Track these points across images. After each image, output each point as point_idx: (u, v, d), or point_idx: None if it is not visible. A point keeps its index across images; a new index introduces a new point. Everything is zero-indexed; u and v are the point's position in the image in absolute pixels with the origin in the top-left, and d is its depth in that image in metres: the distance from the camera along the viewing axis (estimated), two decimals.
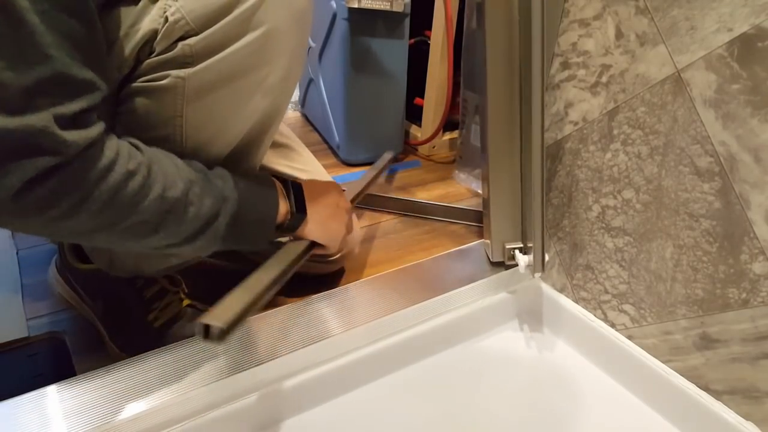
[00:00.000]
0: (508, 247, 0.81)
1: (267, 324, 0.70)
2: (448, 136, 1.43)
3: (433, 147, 1.42)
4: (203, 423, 0.61)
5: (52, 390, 0.59)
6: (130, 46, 0.54)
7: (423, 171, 1.35)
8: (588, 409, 0.71)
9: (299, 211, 0.66)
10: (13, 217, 0.45)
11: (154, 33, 0.54)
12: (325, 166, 1.32)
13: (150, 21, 0.54)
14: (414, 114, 1.42)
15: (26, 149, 0.42)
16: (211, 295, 0.84)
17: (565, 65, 0.75)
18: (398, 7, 1.17)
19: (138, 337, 0.72)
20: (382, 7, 1.15)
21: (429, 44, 1.30)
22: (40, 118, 0.42)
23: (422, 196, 1.22)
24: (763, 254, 0.58)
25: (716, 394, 0.65)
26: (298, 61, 0.62)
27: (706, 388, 0.66)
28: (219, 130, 0.60)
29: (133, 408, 0.58)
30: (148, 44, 0.54)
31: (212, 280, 0.91)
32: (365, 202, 1.15)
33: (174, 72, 0.55)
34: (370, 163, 1.35)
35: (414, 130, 1.44)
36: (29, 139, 0.42)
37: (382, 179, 1.30)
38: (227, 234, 0.60)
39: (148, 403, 0.58)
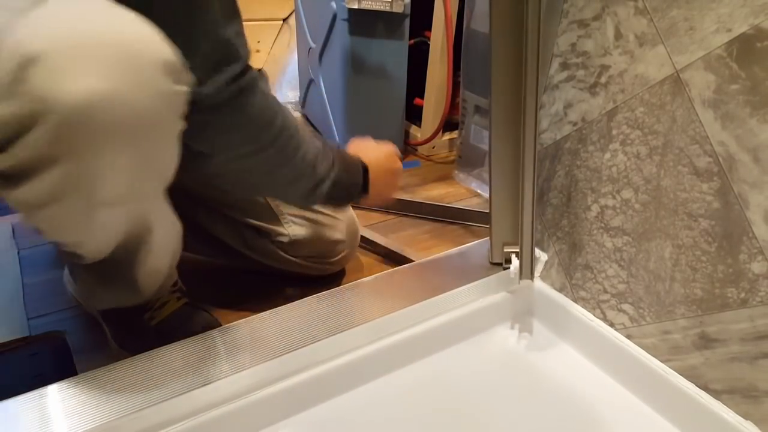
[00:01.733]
0: (506, 250, 0.81)
1: (267, 324, 0.71)
2: (448, 136, 1.43)
3: (433, 147, 1.43)
4: (203, 422, 0.61)
5: (52, 389, 0.60)
6: None
7: (423, 171, 1.36)
8: (587, 409, 0.71)
9: (364, 190, 0.80)
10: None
11: None
12: None
13: None
14: (414, 114, 1.42)
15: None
16: (209, 293, 0.85)
17: (564, 66, 0.75)
18: (398, 8, 1.17)
19: (136, 335, 0.73)
20: (382, 7, 1.16)
21: (429, 45, 1.30)
22: None
23: (422, 196, 1.22)
24: (762, 254, 0.58)
25: (715, 394, 0.65)
26: (151, 169, 0.55)
27: (705, 388, 0.66)
28: (78, 235, 0.57)
29: (134, 407, 0.58)
30: None
31: (209, 278, 0.92)
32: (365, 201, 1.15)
33: None
34: None
35: (414, 130, 1.45)
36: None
37: None
38: (329, 190, 0.74)
39: (148, 403, 0.58)
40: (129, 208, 0.58)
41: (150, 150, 0.53)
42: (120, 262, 0.65)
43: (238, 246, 0.86)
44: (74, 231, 0.56)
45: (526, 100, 0.70)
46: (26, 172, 0.48)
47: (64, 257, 0.68)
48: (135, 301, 0.71)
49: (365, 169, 0.80)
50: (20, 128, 0.46)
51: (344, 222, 0.88)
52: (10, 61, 0.44)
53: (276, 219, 0.84)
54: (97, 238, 0.58)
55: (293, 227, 0.84)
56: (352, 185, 0.79)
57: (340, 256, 0.88)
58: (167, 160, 0.56)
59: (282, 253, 0.85)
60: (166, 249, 0.69)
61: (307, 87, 1.46)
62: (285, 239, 0.84)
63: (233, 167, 0.66)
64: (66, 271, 0.83)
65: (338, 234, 0.87)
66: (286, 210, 0.85)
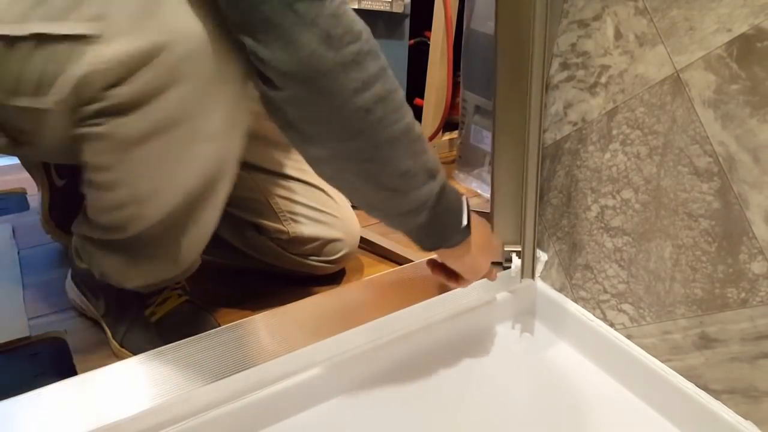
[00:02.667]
0: (507, 248, 0.81)
1: (267, 324, 0.71)
2: (448, 136, 1.43)
3: (433, 147, 1.43)
4: (203, 422, 0.61)
5: (52, 389, 0.60)
6: (67, 84, 0.54)
7: None
8: (587, 408, 0.71)
9: (466, 228, 0.64)
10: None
11: (84, 77, 0.53)
12: None
13: (80, 64, 0.53)
14: (414, 114, 1.41)
15: None
16: (209, 292, 0.85)
17: (564, 66, 0.75)
18: (398, 8, 1.17)
19: (136, 332, 0.73)
20: (381, 7, 1.16)
21: (429, 45, 1.30)
22: None
23: None
24: (762, 254, 0.58)
25: (715, 394, 0.65)
26: (242, 102, 0.60)
27: (705, 388, 0.66)
28: (168, 173, 0.60)
29: (134, 407, 0.58)
30: (82, 86, 0.54)
31: (209, 277, 0.92)
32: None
33: (107, 120, 0.55)
34: None
35: None
36: None
37: None
38: (432, 209, 0.60)
39: (148, 403, 0.58)
40: (218, 148, 0.61)
41: (240, 91, 0.58)
42: (167, 229, 0.66)
43: (238, 243, 0.86)
44: (161, 172, 0.59)
45: (531, 100, 0.71)
46: (139, 103, 0.54)
47: (91, 241, 0.69)
48: (171, 273, 0.72)
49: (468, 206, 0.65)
50: (140, 62, 0.52)
51: (344, 221, 0.88)
52: (139, 3, 0.51)
53: (276, 216, 0.84)
54: (178, 180, 0.61)
55: (293, 225, 0.84)
56: (457, 207, 0.63)
57: (339, 255, 0.88)
58: (247, 111, 0.62)
59: (282, 251, 0.85)
60: (221, 206, 0.69)
61: None
62: (285, 236, 0.84)
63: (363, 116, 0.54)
64: (68, 277, 0.83)
65: (338, 232, 0.87)
66: (286, 208, 0.85)
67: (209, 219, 0.68)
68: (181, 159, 0.59)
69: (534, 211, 0.76)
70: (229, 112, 0.59)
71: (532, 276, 0.80)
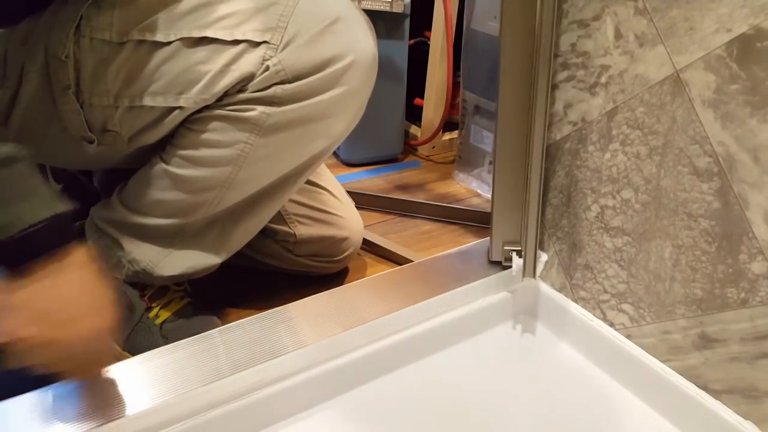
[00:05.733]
0: (506, 248, 0.81)
1: (267, 324, 0.70)
2: (448, 136, 1.43)
3: (433, 147, 1.43)
4: (203, 423, 0.61)
5: (53, 389, 0.60)
6: (224, 82, 0.61)
7: (423, 171, 1.36)
8: (587, 409, 0.71)
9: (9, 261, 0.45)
10: None
11: (251, 76, 0.61)
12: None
13: (248, 65, 0.61)
14: (414, 114, 1.42)
15: None
16: (209, 292, 0.85)
17: (564, 66, 0.75)
18: (398, 8, 1.17)
19: (139, 334, 0.73)
20: (381, 7, 1.16)
21: (429, 45, 1.30)
22: None
23: (422, 196, 1.23)
24: (762, 254, 0.58)
25: (715, 394, 0.65)
26: (361, 113, 0.71)
27: (705, 388, 0.66)
28: (278, 161, 0.67)
29: (134, 407, 0.58)
30: (241, 83, 0.61)
31: (210, 277, 0.92)
32: (365, 202, 1.16)
33: (261, 108, 0.62)
34: (370, 164, 1.35)
35: (414, 130, 1.45)
36: None
37: (382, 180, 1.30)
38: None
39: (148, 403, 0.58)
40: (328, 146, 0.69)
41: (365, 103, 0.70)
42: (228, 216, 0.70)
43: (242, 247, 0.86)
44: (273, 159, 0.66)
45: (536, 98, 0.71)
46: (298, 99, 0.62)
47: (120, 227, 0.70)
48: (210, 262, 0.73)
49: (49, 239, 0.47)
50: (316, 68, 0.62)
51: (348, 220, 0.89)
52: (321, 20, 0.62)
53: (281, 219, 0.84)
54: (276, 169, 0.68)
55: (300, 227, 0.85)
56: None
57: (345, 254, 0.89)
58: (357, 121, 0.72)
59: (287, 253, 0.86)
60: (285, 201, 0.76)
61: None
62: (292, 239, 0.84)
63: None
64: None
65: (344, 231, 0.87)
66: (293, 210, 0.85)
67: (269, 212, 0.72)
68: (297, 151, 0.67)
69: (537, 209, 0.76)
70: (353, 118, 0.69)
71: (534, 275, 0.80)
